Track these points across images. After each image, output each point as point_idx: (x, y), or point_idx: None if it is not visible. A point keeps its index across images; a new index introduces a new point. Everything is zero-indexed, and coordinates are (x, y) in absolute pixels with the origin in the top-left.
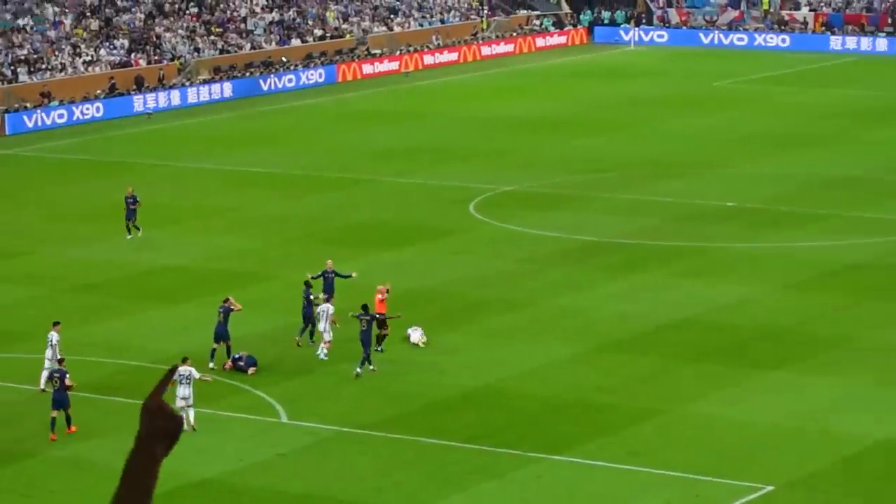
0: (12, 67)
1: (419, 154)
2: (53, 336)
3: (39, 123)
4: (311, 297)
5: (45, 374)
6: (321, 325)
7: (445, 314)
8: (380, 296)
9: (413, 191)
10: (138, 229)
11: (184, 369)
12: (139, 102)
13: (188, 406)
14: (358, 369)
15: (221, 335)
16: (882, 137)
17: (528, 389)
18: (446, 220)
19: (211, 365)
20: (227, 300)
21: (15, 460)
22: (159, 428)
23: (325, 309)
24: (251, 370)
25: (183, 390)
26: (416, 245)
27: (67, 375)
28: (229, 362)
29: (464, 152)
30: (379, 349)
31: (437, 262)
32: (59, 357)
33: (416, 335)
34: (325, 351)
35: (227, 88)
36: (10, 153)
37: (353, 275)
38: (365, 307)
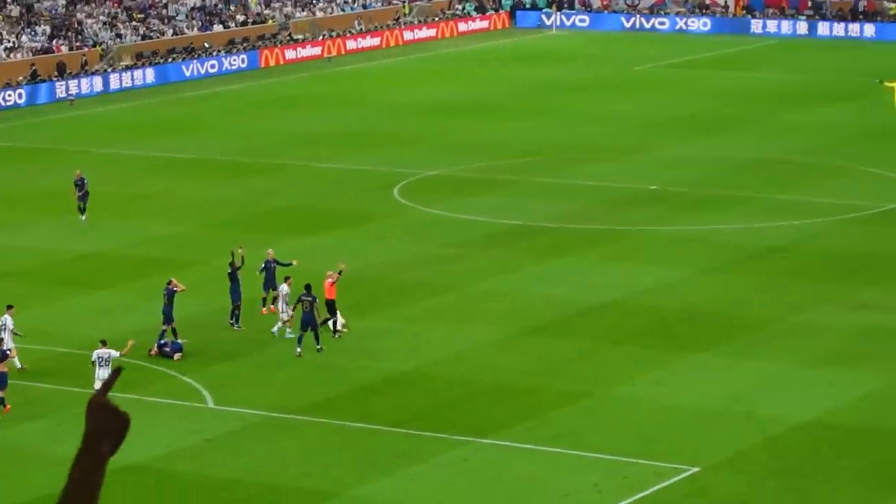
0: None
1: (342, 139)
2: (7, 320)
3: None
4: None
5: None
6: (279, 305)
7: (370, 299)
8: (330, 279)
9: (336, 176)
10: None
11: (102, 352)
12: (61, 89)
13: None
14: (298, 348)
15: (167, 317)
16: (801, 120)
17: (454, 373)
18: (370, 204)
19: (155, 350)
20: (170, 282)
21: None
22: (105, 425)
23: (282, 289)
24: (177, 356)
25: (102, 372)
26: (340, 230)
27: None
28: (155, 348)
29: (387, 137)
30: (335, 336)
31: (361, 246)
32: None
33: (339, 320)
34: (281, 328)
35: (150, 74)
36: None
37: (294, 263)
38: (308, 287)
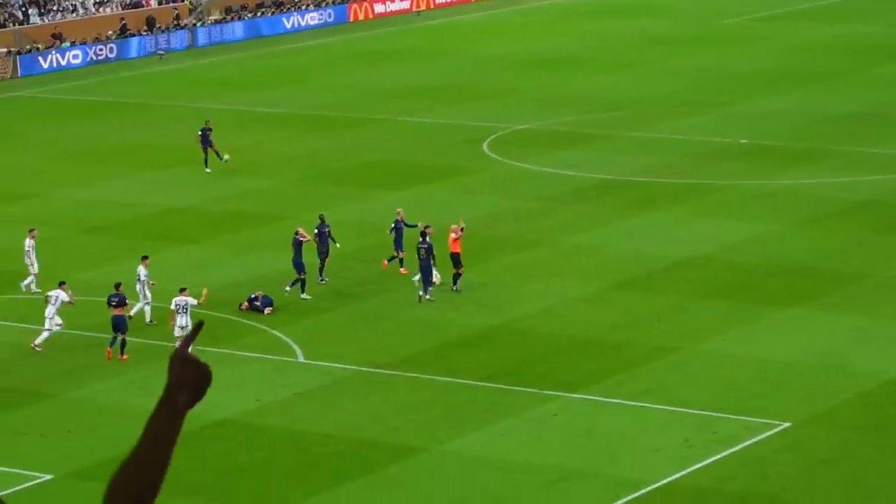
0: (23, 9)
1: (431, 93)
2: (141, 271)
3: (53, 65)
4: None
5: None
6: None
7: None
8: (453, 235)
9: (426, 130)
10: (220, 157)
11: (180, 299)
12: (151, 43)
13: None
14: (419, 293)
15: (298, 267)
16: (892, 73)
17: (544, 327)
18: (460, 159)
19: (304, 295)
20: (297, 232)
21: (32, 401)
22: (185, 377)
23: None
24: (267, 310)
25: (181, 319)
26: (430, 184)
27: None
28: (245, 302)
29: (477, 91)
30: (455, 288)
31: (450, 201)
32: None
33: (434, 275)
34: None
35: (239, 28)
36: (23, 94)
37: (419, 225)
38: (423, 235)
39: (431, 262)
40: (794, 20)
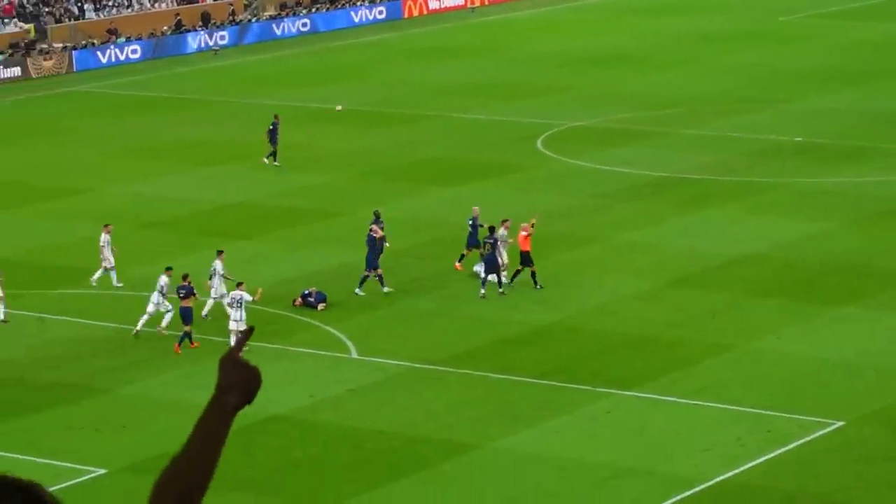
0: (79, 4)
1: (485, 89)
2: (217, 265)
3: (111, 59)
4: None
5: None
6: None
7: (513, 250)
8: (524, 232)
9: (480, 127)
10: (274, 157)
11: (236, 293)
12: (206, 39)
13: (239, 330)
14: (482, 290)
15: (369, 262)
16: None
17: (598, 325)
18: (514, 155)
19: (385, 288)
20: (371, 229)
21: (87, 396)
22: (236, 380)
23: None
24: (321, 306)
25: (234, 313)
26: (484, 181)
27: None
28: (299, 299)
29: (531, 88)
30: (538, 287)
31: (504, 198)
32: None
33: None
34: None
35: (293, 24)
36: (78, 90)
37: (484, 225)
38: (492, 229)
39: (497, 257)
40: (847, 18)
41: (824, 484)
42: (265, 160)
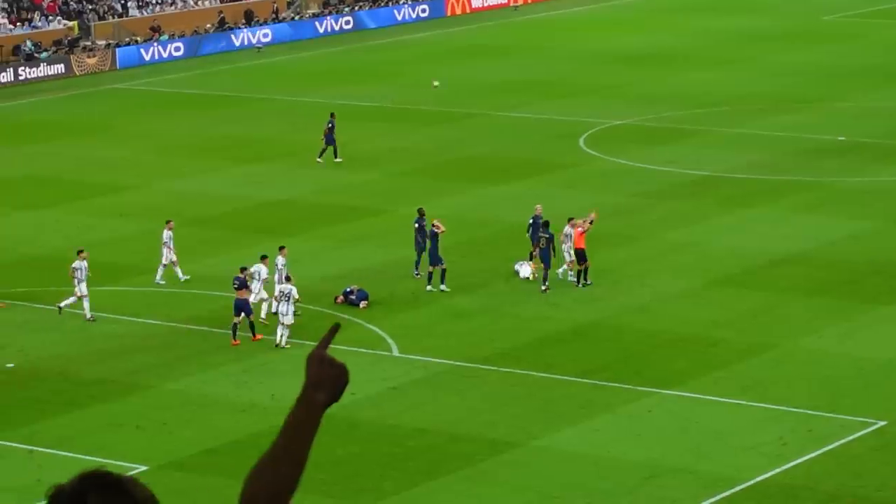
0: (122, 1)
1: (528, 88)
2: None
3: (155, 57)
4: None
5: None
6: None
7: (557, 248)
8: (580, 229)
9: (523, 125)
10: (334, 153)
11: (285, 287)
12: (249, 36)
13: (283, 324)
14: (543, 286)
15: (433, 258)
16: None
17: (640, 324)
18: (556, 154)
19: (428, 287)
20: (433, 224)
21: (129, 392)
22: (324, 377)
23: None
24: (363, 304)
25: (282, 307)
26: (527, 179)
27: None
28: (341, 296)
29: (574, 86)
30: (588, 283)
31: (547, 196)
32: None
33: (525, 270)
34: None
35: (336, 22)
36: (121, 87)
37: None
38: (546, 224)
39: (551, 252)
40: (891, 17)
41: (866, 483)
42: (320, 160)
